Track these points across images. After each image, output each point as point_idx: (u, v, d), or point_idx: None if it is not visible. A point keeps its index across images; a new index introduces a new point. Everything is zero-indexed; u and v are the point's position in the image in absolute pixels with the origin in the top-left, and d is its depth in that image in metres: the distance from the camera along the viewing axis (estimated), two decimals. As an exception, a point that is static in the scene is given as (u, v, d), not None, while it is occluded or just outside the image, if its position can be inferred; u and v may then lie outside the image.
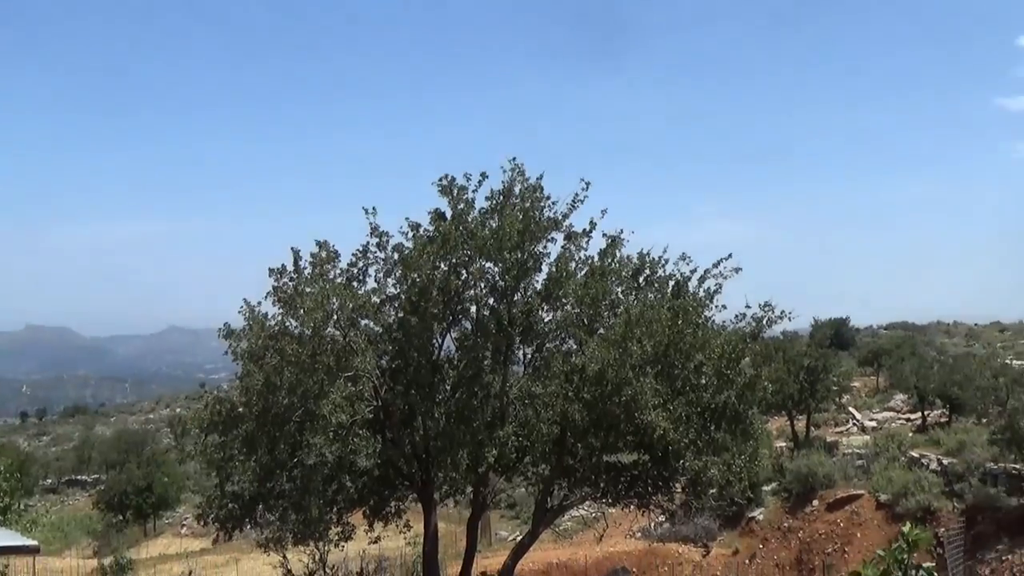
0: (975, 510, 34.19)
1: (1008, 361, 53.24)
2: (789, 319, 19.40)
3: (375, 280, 18.52)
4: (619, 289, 18.99)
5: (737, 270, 18.57)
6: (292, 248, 17.71)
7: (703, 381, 18.10)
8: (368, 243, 18.25)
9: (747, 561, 37.57)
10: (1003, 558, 32.21)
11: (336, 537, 18.35)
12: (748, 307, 18.91)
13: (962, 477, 35.90)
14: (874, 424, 50.30)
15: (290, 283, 17.37)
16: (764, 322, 18.93)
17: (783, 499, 40.32)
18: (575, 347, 18.77)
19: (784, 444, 46.91)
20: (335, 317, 17.13)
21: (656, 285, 19.34)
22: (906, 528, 7.15)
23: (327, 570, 19.35)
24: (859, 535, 36.00)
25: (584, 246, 18.68)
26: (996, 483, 34.76)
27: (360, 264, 18.44)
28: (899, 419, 50.82)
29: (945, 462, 37.92)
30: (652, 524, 39.70)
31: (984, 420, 40.78)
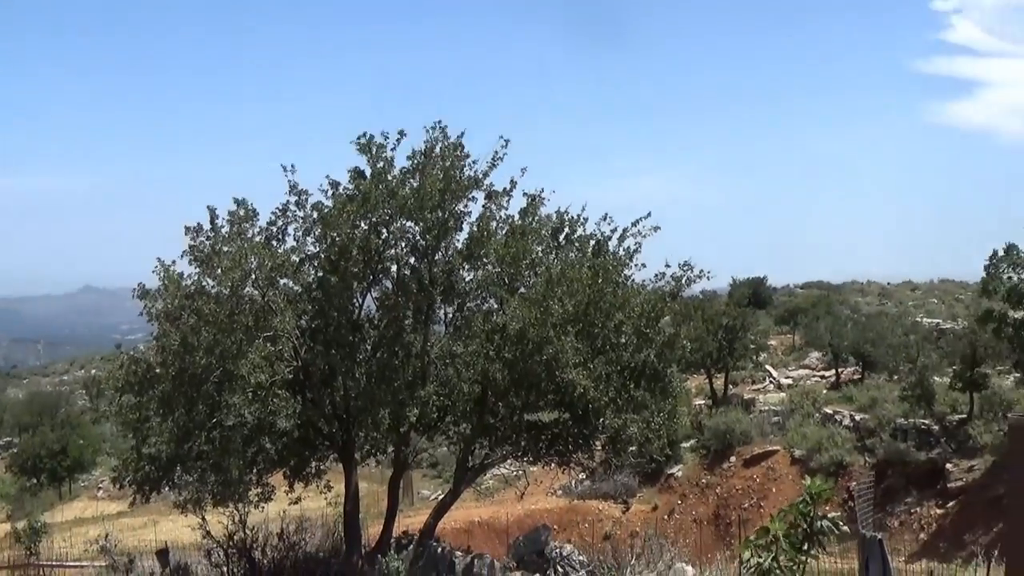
0: (885, 464, 35.21)
1: (919, 319, 54.66)
2: (707, 278, 19.62)
3: (294, 239, 18.31)
4: (539, 248, 18.99)
5: (656, 229, 18.68)
6: (208, 206, 17.40)
7: (623, 340, 18.22)
8: (287, 201, 17.99)
9: (666, 517, 38.23)
10: (911, 510, 33.24)
11: (256, 498, 18.18)
12: (668, 266, 19.08)
13: (873, 432, 36.89)
14: (790, 382, 51.33)
15: (207, 242, 17.07)
16: (683, 281, 19.09)
17: (701, 456, 41.05)
18: (496, 306, 18.77)
19: (703, 402, 47.68)
20: (253, 276, 16.89)
21: (576, 244, 19.38)
22: (808, 483, 7.32)
23: (247, 531, 19.17)
24: (775, 490, 36.85)
25: (505, 205, 18.64)
26: (906, 438, 35.82)
27: (279, 223, 18.18)
28: (814, 376, 51.92)
29: (857, 418, 38.91)
30: (573, 482, 40.13)
31: (895, 377, 41.87)
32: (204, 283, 16.93)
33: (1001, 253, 31.36)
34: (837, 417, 39.89)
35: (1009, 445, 7.13)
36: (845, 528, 7.44)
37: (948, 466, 33.21)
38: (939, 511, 32.56)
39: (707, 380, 48.88)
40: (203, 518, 18.38)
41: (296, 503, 19.56)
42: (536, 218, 19.01)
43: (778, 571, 7.09)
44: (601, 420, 18.06)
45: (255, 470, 18.08)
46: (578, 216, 19.42)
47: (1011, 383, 37.37)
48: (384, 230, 17.63)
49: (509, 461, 22.57)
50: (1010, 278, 31.38)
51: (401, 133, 17.57)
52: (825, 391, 45.89)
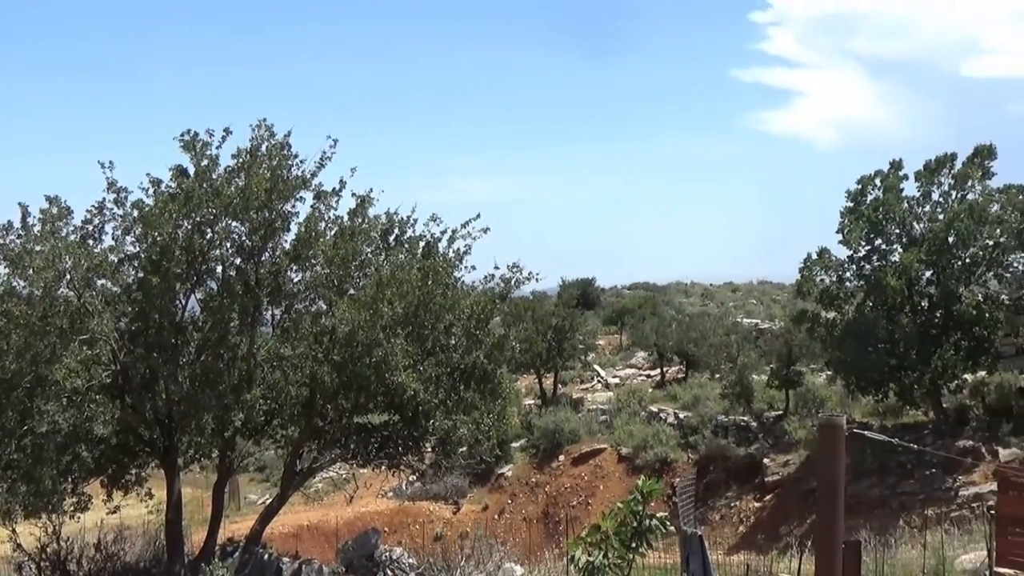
0: (707, 460, 36.39)
1: (739, 320, 56.64)
2: (536, 280, 19.88)
3: (113, 238, 17.62)
4: (369, 250, 18.86)
5: (485, 230, 18.82)
6: (20, 204, 16.60)
7: (453, 341, 18.30)
8: (104, 199, 17.30)
9: (496, 516, 38.50)
10: (731, 504, 34.45)
11: (71, 508, 17.48)
12: (497, 268, 19.25)
13: (696, 429, 38.07)
14: (617, 381, 52.46)
15: (17, 241, 16.28)
16: (512, 283, 19.30)
17: (531, 455, 41.49)
18: (325, 308, 18.53)
19: (532, 402, 48.19)
20: (68, 277, 16.18)
21: (406, 245, 19.34)
22: (641, 481, 7.50)
23: (61, 543, 18.39)
24: (602, 487, 37.58)
25: (334, 205, 18.42)
26: (726, 434, 37.14)
27: (96, 221, 17.45)
28: (640, 376, 53.23)
29: (681, 416, 40.08)
30: (403, 484, 40.01)
31: (717, 375, 43.28)
32: (14, 284, 16.15)
33: (815, 256, 32.77)
34: (662, 415, 41.01)
35: (819, 441, 7.45)
36: (671, 527, 7.64)
37: (766, 461, 34.51)
38: (757, 504, 33.80)
39: (537, 380, 49.47)
40: (13, 530, 17.57)
41: (115, 512, 18.87)
42: (366, 219, 18.88)
43: (608, 568, 7.22)
44: (431, 422, 18.08)
45: (70, 479, 17.37)
46: (407, 217, 19.39)
47: (823, 381, 39.17)
48: (208, 230, 17.15)
49: (339, 464, 22.31)
50: (822, 280, 32.87)
51: (227, 131, 17.11)
52: (651, 390, 47.10)
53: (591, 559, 7.21)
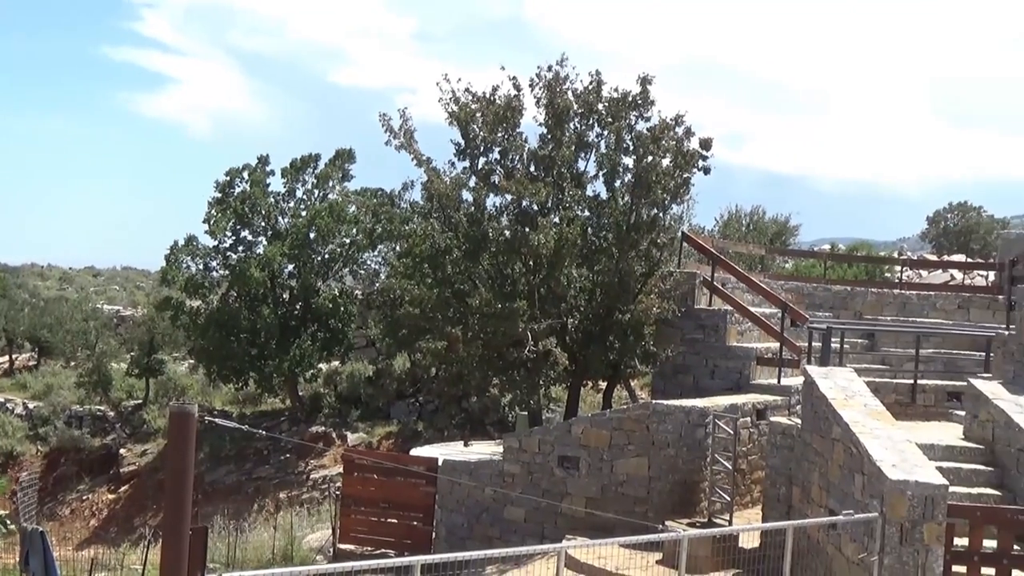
0: (59, 452, 34.56)
1: (99, 306, 54.51)
2: None
3: None
4: None
5: None
6: None
7: None
8: None
9: None
10: (84, 497, 33.04)
11: None
12: None
13: (48, 420, 35.96)
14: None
15: None
16: None
17: None
18: None
19: None
20: None
21: None
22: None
23: None
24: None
25: None
26: (81, 425, 35.55)
27: None
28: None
29: (31, 406, 37.62)
30: None
31: (73, 363, 41.29)
32: None
33: (182, 243, 32.58)
34: (9, 405, 38.14)
35: (169, 429, 7.43)
36: (13, 526, 7.14)
37: (123, 451, 33.59)
38: (112, 496, 32.80)
39: None
40: None
41: None
42: None
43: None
44: None
45: None
46: None
47: (186, 369, 39.06)
48: None
49: None
50: (188, 268, 32.77)
51: None
52: (-2, 378, 43.61)
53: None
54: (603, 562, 13.66)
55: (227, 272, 32.23)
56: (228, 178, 32.21)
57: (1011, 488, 11.87)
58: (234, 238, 32.38)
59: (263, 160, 32.80)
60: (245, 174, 32.36)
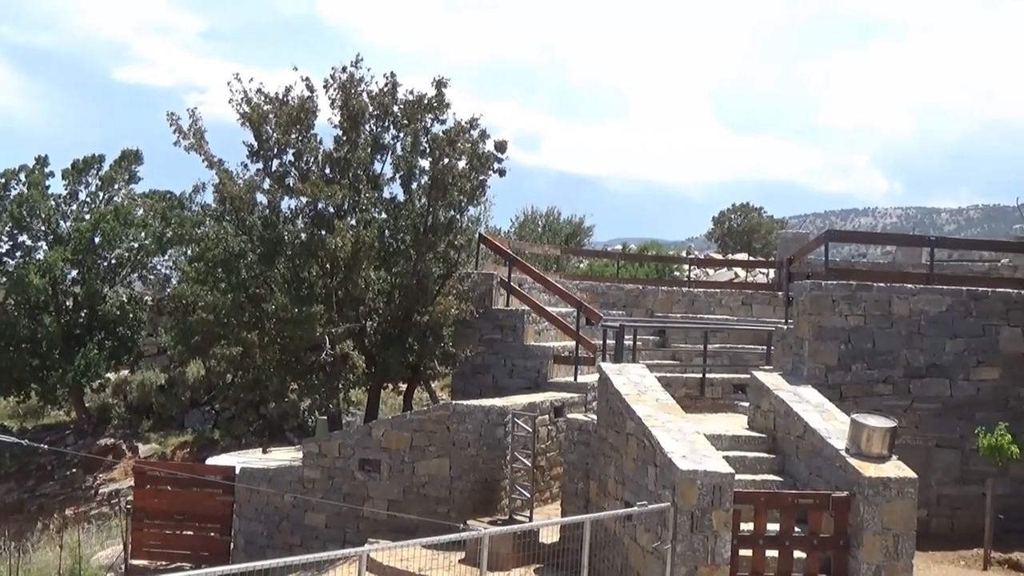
0: None
1: None
2: None
3: None
4: None
5: None
6: None
7: None
8: None
9: None
10: None
11: None
12: None
13: None
14: None
15: None
16: None
17: None
18: None
19: None
20: None
21: None
22: None
23: None
24: None
25: None
26: None
27: None
28: None
29: None
30: None
31: None
32: None
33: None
34: None
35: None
36: None
37: None
38: None
39: None
40: None
41: None
42: None
43: None
44: None
45: None
46: None
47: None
48: None
49: None
50: None
51: None
52: None
53: None
54: (406, 564, 13.68)
55: (3, 279, 30.54)
56: (3, 180, 30.55)
57: (791, 473, 12.55)
58: (11, 243, 30.73)
59: (41, 161, 31.26)
60: (22, 175, 30.77)
